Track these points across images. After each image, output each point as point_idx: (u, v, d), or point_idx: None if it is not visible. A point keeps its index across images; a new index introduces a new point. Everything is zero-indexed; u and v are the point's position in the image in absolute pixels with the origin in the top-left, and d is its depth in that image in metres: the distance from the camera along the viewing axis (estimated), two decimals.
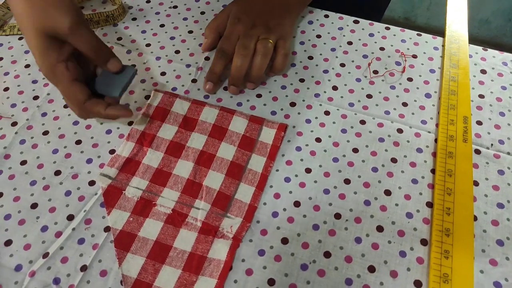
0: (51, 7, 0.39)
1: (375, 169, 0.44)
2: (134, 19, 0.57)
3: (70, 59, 0.41)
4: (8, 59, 0.53)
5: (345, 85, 0.50)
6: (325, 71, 0.51)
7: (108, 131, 0.47)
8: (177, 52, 0.54)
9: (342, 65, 0.52)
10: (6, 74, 0.52)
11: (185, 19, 0.57)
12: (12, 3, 0.40)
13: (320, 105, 0.49)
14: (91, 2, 0.59)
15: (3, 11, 0.57)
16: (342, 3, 0.59)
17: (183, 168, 0.44)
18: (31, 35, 0.39)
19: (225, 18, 0.52)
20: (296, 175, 0.44)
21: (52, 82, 0.42)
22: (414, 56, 0.53)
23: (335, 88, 0.50)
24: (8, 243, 0.40)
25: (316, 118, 0.48)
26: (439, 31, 0.55)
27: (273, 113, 0.48)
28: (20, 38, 0.55)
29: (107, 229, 0.40)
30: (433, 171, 0.44)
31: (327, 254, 0.39)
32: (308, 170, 0.44)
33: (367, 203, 0.42)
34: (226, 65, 0.49)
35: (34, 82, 0.51)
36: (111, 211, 0.41)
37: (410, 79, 0.51)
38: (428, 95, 0.49)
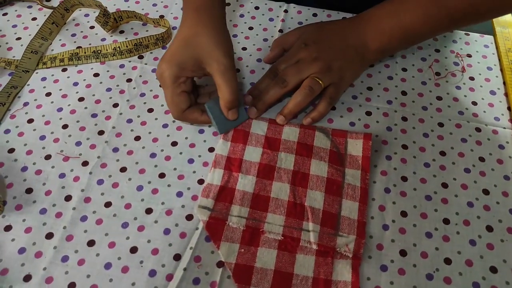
0: (215, 45, 0.42)
1: (467, 170, 0.44)
2: None
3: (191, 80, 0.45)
4: (57, 93, 0.49)
5: (413, 89, 0.51)
6: (389, 78, 0.52)
7: (190, 161, 0.44)
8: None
9: (404, 69, 0.52)
10: (60, 110, 0.48)
11: (235, 36, 0.55)
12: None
13: (395, 111, 0.49)
14: (130, 25, 0.56)
15: (39, 42, 0.53)
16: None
17: (280, 190, 0.42)
18: (180, 45, 0.43)
19: (294, 36, 0.51)
20: (395, 185, 0.43)
21: (161, 82, 0.44)
22: (469, 56, 0.54)
23: (404, 93, 0.50)
24: None
25: (396, 125, 0.48)
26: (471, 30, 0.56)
27: (352, 124, 0.48)
28: (63, 70, 0.51)
29: (220, 264, 0.38)
30: None
31: (448, 261, 0.39)
32: (404, 178, 0.44)
33: (470, 204, 0.42)
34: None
35: (94, 116, 0.47)
36: (220, 244, 0.39)
37: (471, 78, 0.52)
38: (492, 92, 0.51)
